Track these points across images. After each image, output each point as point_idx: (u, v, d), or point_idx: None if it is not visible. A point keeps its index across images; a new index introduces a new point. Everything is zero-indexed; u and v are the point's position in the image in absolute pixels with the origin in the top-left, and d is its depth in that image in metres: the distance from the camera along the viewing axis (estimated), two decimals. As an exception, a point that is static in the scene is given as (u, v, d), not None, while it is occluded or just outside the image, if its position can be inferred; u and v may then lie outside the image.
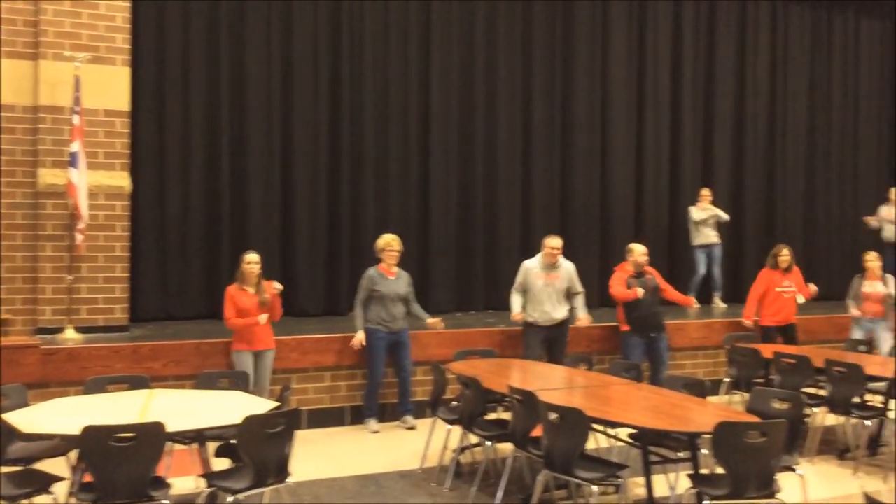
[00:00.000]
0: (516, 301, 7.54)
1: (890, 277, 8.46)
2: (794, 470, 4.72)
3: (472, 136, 9.83)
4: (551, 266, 7.49)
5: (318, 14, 9.07)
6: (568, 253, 8.01)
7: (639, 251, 7.71)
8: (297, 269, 8.99)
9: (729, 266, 10.93)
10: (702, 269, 10.30)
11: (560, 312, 7.53)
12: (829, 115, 12.05)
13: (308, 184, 9.05)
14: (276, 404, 4.72)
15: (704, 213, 10.22)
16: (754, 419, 4.55)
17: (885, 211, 10.98)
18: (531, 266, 7.53)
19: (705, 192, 10.33)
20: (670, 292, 8.09)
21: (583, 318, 7.69)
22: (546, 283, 7.45)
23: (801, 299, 8.46)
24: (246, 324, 6.43)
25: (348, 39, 9.19)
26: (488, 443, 5.41)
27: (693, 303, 8.82)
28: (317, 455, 6.33)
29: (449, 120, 9.70)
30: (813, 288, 8.47)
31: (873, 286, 8.45)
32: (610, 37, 10.55)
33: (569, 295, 7.62)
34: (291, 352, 7.10)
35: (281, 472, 4.33)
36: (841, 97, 12.14)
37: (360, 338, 7.10)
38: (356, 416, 7.30)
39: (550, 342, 7.52)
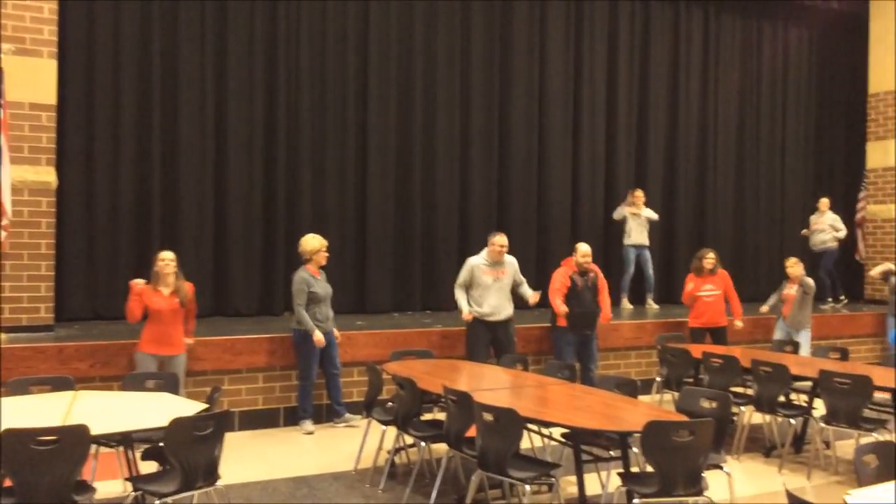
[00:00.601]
0: (463, 299, 7.52)
1: (809, 281, 8.70)
2: (721, 468, 4.80)
3: (410, 136, 9.82)
4: (498, 262, 7.54)
5: (255, 12, 8.95)
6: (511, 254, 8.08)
7: (581, 251, 7.82)
8: (231, 269, 8.86)
9: (662, 267, 11.15)
10: (632, 269, 10.49)
11: (507, 309, 7.58)
12: (757, 120, 12.37)
13: (242, 183, 8.91)
14: (204, 406, 4.63)
15: (637, 213, 10.42)
16: (683, 418, 4.63)
17: (814, 219, 11.33)
18: (477, 262, 7.54)
19: (639, 194, 10.52)
20: (602, 296, 8.13)
21: (531, 294, 7.66)
22: (494, 279, 7.49)
23: (738, 324, 8.73)
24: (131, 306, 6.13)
25: (284, 38, 9.09)
26: (423, 443, 5.41)
27: (608, 320, 8.74)
28: (249, 457, 6.23)
29: (387, 120, 9.66)
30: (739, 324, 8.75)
31: (790, 288, 8.72)
32: (547, 40, 10.66)
33: (513, 291, 7.67)
34: (224, 353, 6.97)
35: (210, 475, 4.24)
36: (769, 103, 12.47)
37: (319, 337, 6.97)
38: (290, 418, 7.21)
39: (496, 342, 7.55)
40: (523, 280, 7.76)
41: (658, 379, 7.81)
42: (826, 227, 11.13)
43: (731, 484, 4.89)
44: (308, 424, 7.07)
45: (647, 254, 10.54)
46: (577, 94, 10.91)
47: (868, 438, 5.78)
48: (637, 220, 10.45)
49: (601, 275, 8.06)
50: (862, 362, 8.51)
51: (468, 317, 7.48)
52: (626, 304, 10.44)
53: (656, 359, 8.14)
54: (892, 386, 6.05)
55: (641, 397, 8.01)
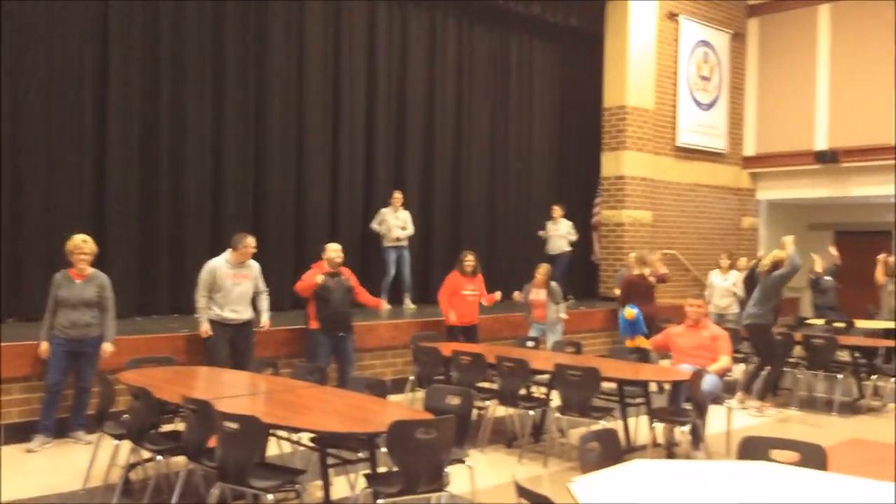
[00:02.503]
0: (205, 313, 7.23)
1: (555, 285, 9.32)
2: (464, 462, 4.95)
3: (157, 130, 9.22)
4: (242, 265, 7.27)
5: None
6: (262, 255, 7.82)
7: (332, 249, 7.78)
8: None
9: (419, 268, 11.39)
10: (392, 270, 10.63)
11: (248, 311, 7.39)
12: (507, 129, 13.01)
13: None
14: None
15: (395, 214, 10.58)
16: (427, 416, 4.71)
17: (550, 226, 12.12)
18: (219, 265, 7.24)
19: (397, 196, 10.67)
20: (362, 295, 8.22)
21: (266, 322, 7.58)
22: (235, 283, 7.23)
23: (484, 302, 9.09)
24: None
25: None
26: (160, 457, 5.07)
27: (382, 304, 9.08)
28: (-42, 484, 5.52)
29: (130, 114, 8.99)
30: (497, 294, 9.11)
31: (538, 294, 9.29)
32: (305, 42, 10.48)
33: (253, 296, 7.47)
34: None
35: None
36: (517, 114, 13.16)
37: (43, 347, 6.42)
38: (16, 434, 6.49)
39: (235, 345, 7.28)
40: (264, 290, 7.57)
41: (412, 378, 7.94)
42: (561, 233, 11.97)
43: (473, 477, 5.05)
44: (38, 440, 6.44)
45: (406, 254, 10.73)
46: (337, 95, 10.84)
47: (598, 426, 6.22)
48: (396, 221, 10.59)
49: (353, 276, 8.08)
50: (594, 355, 9.19)
51: (205, 333, 7.21)
52: (385, 305, 10.54)
53: (411, 358, 8.28)
54: (618, 376, 6.57)
55: (397, 397, 8.22)
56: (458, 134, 12.31)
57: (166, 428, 5.56)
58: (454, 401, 5.22)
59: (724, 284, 10.87)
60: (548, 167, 13.60)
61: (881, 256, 11.37)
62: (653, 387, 7.52)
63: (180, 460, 5.04)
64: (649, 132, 13.31)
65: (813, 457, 3.87)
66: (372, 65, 11.23)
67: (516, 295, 9.60)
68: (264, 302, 7.55)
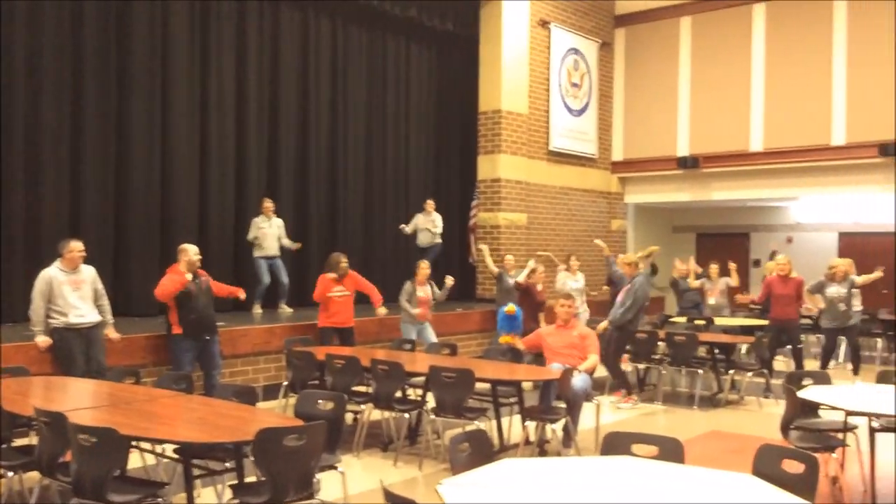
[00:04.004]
0: (41, 324, 6.87)
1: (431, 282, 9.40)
2: (336, 468, 4.89)
3: (11, 130, 8.67)
4: (75, 270, 6.98)
5: None
6: (127, 258, 7.46)
7: (192, 251, 7.54)
8: None
9: (295, 272, 11.19)
10: (266, 279, 10.40)
11: (95, 314, 7.09)
12: (384, 131, 12.97)
13: None
14: None
15: (266, 224, 10.37)
16: (297, 422, 4.61)
17: (422, 219, 12.17)
18: (53, 273, 6.90)
19: (268, 205, 10.46)
20: (220, 288, 7.98)
21: (110, 331, 7.30)
22: (72, 289, 6.93)
23: (381, 311, 9.20)
24: None
25: None
26: (11, 473, 4.76)
27: (240, 292, 8.66)
28: None
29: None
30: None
31: (422, 290, 9.35)
32: (170, 41, 10.07)
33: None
34: None
35: None
36: (394, 116, 13.15)
37: None
38: None
39: (88, 347, 6.96)
40: (103, 293, 7.26)
41: (285, 383, 7.79)
42: (431, 226, 12.07)
43: (345, 482, 4.99)
44: None
45: (280, 263, 10.51)
46: (204, 96, 10.49)
47: (472, 426, 6.28)
48: (270, 229, 10.40)
49: (209, 277, 7.86)
50: (469, 357, 9.31)
51: (44, 345, 6.87)
52: (257, 309, 10.32)
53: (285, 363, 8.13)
54: (492, 377, 6.65)
55: (271, 403, 8.05)
56: (334, 136, 12.17)
57: (19, 442, 5.25)
58: (327, 406, 5.15)
59: (576, 286, 11.24)
60: (425, 169, 13.65)
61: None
62: (527, 386, 7.69)
63: (34, 475, 4.76)
64: (523, 136, 13.58)
65: (671, 450, 4.03)
66: (241, 64, 10.92)
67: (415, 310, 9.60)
68: (106, 309, 7.24)
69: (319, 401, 5.23)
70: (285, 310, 10.58)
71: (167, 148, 10.08)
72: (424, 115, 13.65)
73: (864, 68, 13.15)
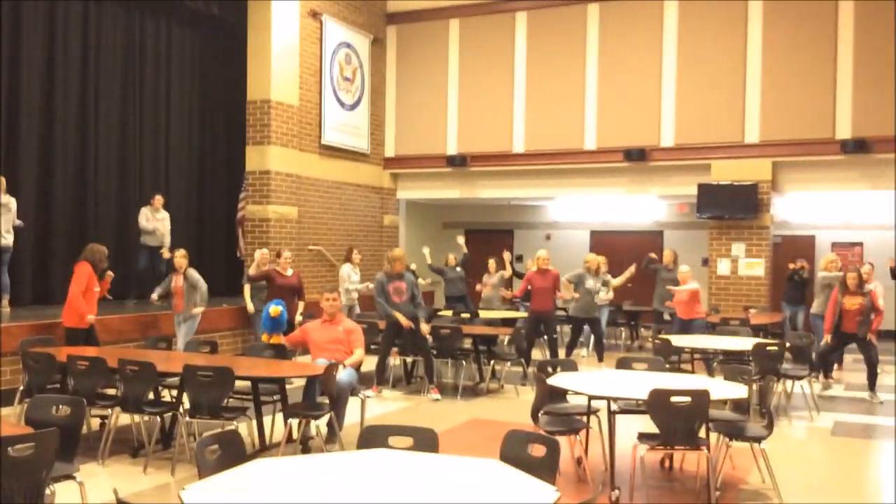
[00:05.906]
0: None
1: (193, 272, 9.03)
2: (74, 477, 4.49)
3: None
4: None
5: None
6: None
7: None
8: None
9: (36, 266, 10.23)
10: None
11: None
12: (141, 119, 12.20)
13: None
14: None
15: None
16: (26, 430, 4.17)
17: (151, 213, 11.37)
18: None
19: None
20: None
21: None
22: None
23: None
24: None
25: None
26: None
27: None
28: None
29: None
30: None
31: (178, 280, 9.24)
32: None
33: None
34: None
35: None
36: (153, 103, 12.40)
37: None
38: None
39: None
40: None
41: (22, 388, 7.06)
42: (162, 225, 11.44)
43: (84, 493, 4.59)
44: None
45: (7, 257, 9.45)
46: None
47: (231, 427, 6.02)
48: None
49: None
50: (231, 354, 8.97)
51: None
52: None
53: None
54: (252, 374, 6.43)
55: (6, 410, 7.26)
56: (83, 122, 11.26)
57: None
58: (64, 411, 4.71)
59: (357, 279, 11.48)
60: (187, 159, 13.00)
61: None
62: (294, 383, 7.53)
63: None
64: (294, 128, 13.31)
65: (425, 440, 4.07)
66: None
67: (154, 297, 9.23)
68: None
69: (55, 406, 4.77)
70: (5, 308, 9.50)
71: None
72: (188, 102, 13.01)
73: (613, 80, 14.24)
